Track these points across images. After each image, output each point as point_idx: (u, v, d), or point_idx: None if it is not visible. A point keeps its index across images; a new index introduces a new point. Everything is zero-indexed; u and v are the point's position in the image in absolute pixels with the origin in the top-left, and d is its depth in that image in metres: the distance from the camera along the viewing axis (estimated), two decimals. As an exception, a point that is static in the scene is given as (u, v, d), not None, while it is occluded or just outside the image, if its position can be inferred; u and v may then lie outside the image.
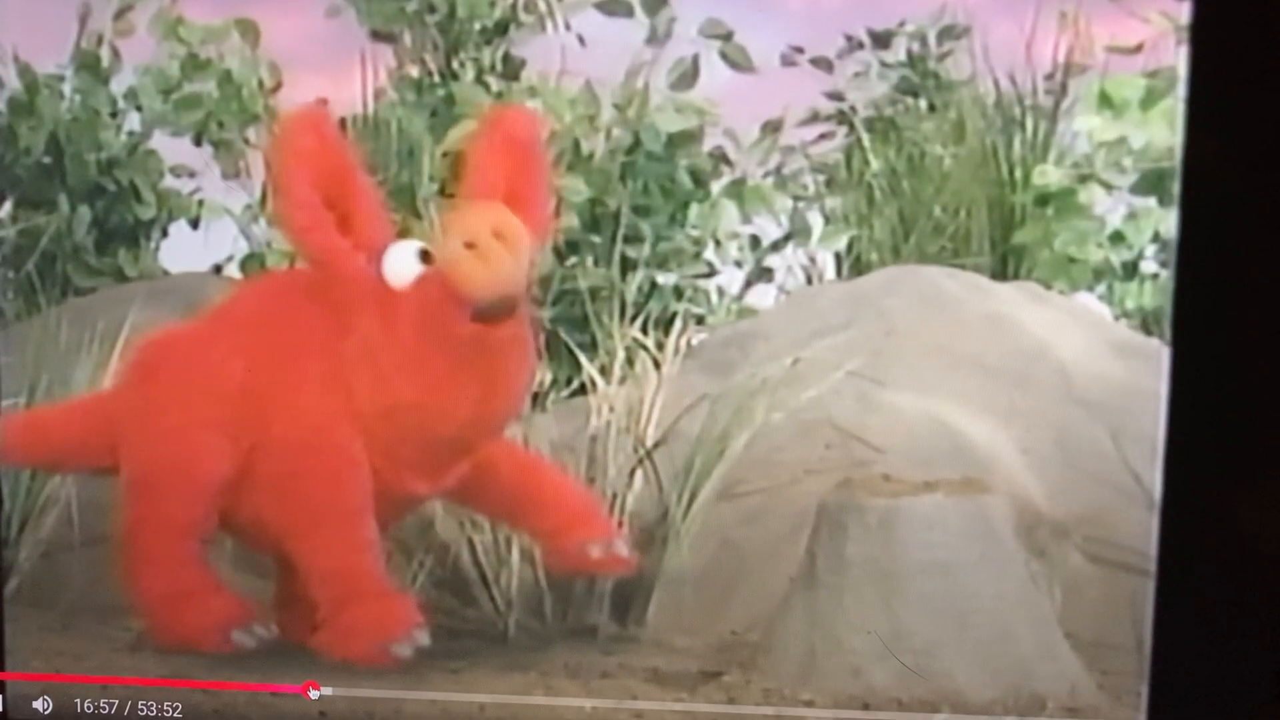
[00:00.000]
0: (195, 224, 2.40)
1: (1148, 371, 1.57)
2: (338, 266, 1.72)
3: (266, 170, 2.25)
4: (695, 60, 2.29)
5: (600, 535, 1.79)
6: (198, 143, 2.35)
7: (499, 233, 1.64)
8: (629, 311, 2.10)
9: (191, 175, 2.38)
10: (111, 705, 1.72)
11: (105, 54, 2.34)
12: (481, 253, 1.63)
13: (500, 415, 1.76)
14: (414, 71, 2.32)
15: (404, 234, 1.76)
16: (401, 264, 1.70)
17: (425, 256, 1.70)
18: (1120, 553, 1.82)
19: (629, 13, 2.29)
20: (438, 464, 1.75)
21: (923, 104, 2.36)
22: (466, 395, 1.69)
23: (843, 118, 2.37)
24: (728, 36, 2.28)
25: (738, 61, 2.28)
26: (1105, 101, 2.20)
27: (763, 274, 2.34)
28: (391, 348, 1.70)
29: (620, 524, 1.86)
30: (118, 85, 2.35)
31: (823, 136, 2.37)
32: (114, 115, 2.37)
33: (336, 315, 1.72)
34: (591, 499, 1.83)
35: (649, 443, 1.90)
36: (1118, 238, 2.24)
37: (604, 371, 1.97)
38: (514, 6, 2.32)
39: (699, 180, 2.29)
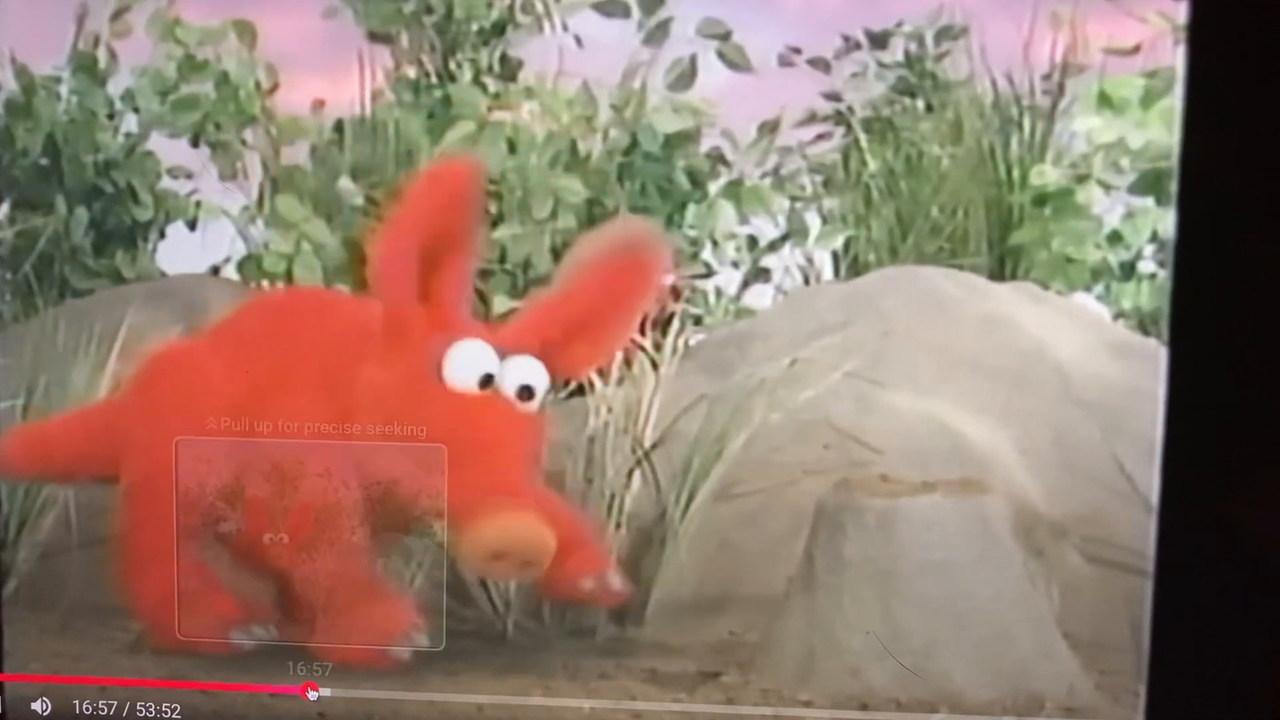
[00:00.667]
0: (193, 225, 2.39)
1: (1145, 372, 1.56)
2: (397, 318, 1.69)
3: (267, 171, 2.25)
4: (693, 61, 2.28)
5: (593, 569, 1.77)
6: (195, 144, 2.35)
7: (527, 562, 1.66)
8: (627, 312, 2.10)
9: (189, 176, 2.38)
10: (110, 706, 1.72)
11: (102, 55, 2.34)
12: (500, 568, 1.65)
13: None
14: (411, 73, 2.32)
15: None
16: (464, 374, 1.69)
17: (486, 381, 1.68)
18: (1118, 553, 1.82)
19: (626, 13, 2.29)
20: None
21: (920, 104, 2.36)
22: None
23: (840, 118, 2.36)
24: (726, 36, 2.28)
25: (735, 61, 2.28)
26: (1105, 101, 2.20)
27: (760, 274, 2.35)
28: (403, 412, 1.69)
29: (618, 525, 1.86)
30: (115, 86, 2.35)
31: (820, 137, 2.37)
32: (111, 116, 2.36)
33: (364, 342, 1.71)
34: (585, 527, 1.81)
35: (647, 443, 1.90)
36: (1115, 238, 2.24)
37: (602, 372, 1.96)
38: (511, 7, 2.32)
39: (696, 181, 2.29)
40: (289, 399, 1.72)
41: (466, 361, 1.69)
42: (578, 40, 2.31)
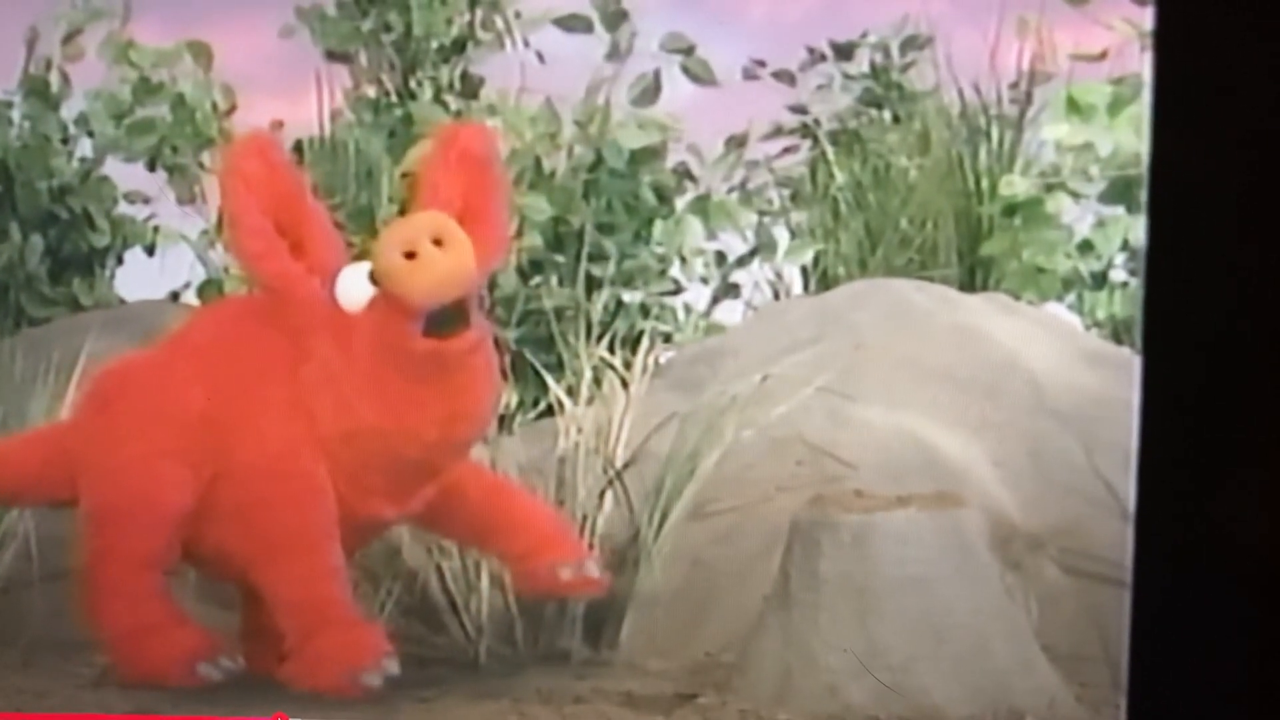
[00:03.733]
0: (151, 251, 2.39)
1: (1119, 381, 1.56)
2: (293, 292, 1.72)
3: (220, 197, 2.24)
4: (657, 75, 2.29)
5: (570, 556, 1.77)
6: (151, 168, 2.34)
7: (437, 239, 1.64)
8: (595, 331, 2.09)
9: (146, 201, 2.38)
10: (76, 743, 1.70)
11: (55, 79, 2.34)
12: (421, 261, 1.63)
13: (465, 434, 1.74)
14: (371, 92, 2.32)
15: (362, 256, 1.76)
16: (353, 287, 1.70)
17: (376, 278, 1.69)
18: (1096, 564, 1.82)
19: (589, 28, 2.29)
20: (404, 487, 1.73)
21: (887, 115, 2.37)
22: (429, 415, 1.68)
23: (806, 131, 2.37)
24: (689, 50, 2.28)
25: (700, 75, 2.28)
26: (1073, 108, 2.20)
27: (729, 290, 2.35)
28: (351, 372, 1.69)
29: (591, 546, 1.85)
30: (68, 111, 2.35)
31: (787, 150, 2.38)
32: (65, 141, 2.36)
33: (294, 340, 1.72)
34: (561, 520, 1.82)
35: (618, 463, 1.89)
36: (1086, 246, 2.25)
37: (571, 392, 1.96)
38: (471, 24, 2.32)
39: (663, 197, 2.29)
40: (251, 408, 1.72)
41: (350, 276, 1.70)
42: (540, 56, 2.31)
